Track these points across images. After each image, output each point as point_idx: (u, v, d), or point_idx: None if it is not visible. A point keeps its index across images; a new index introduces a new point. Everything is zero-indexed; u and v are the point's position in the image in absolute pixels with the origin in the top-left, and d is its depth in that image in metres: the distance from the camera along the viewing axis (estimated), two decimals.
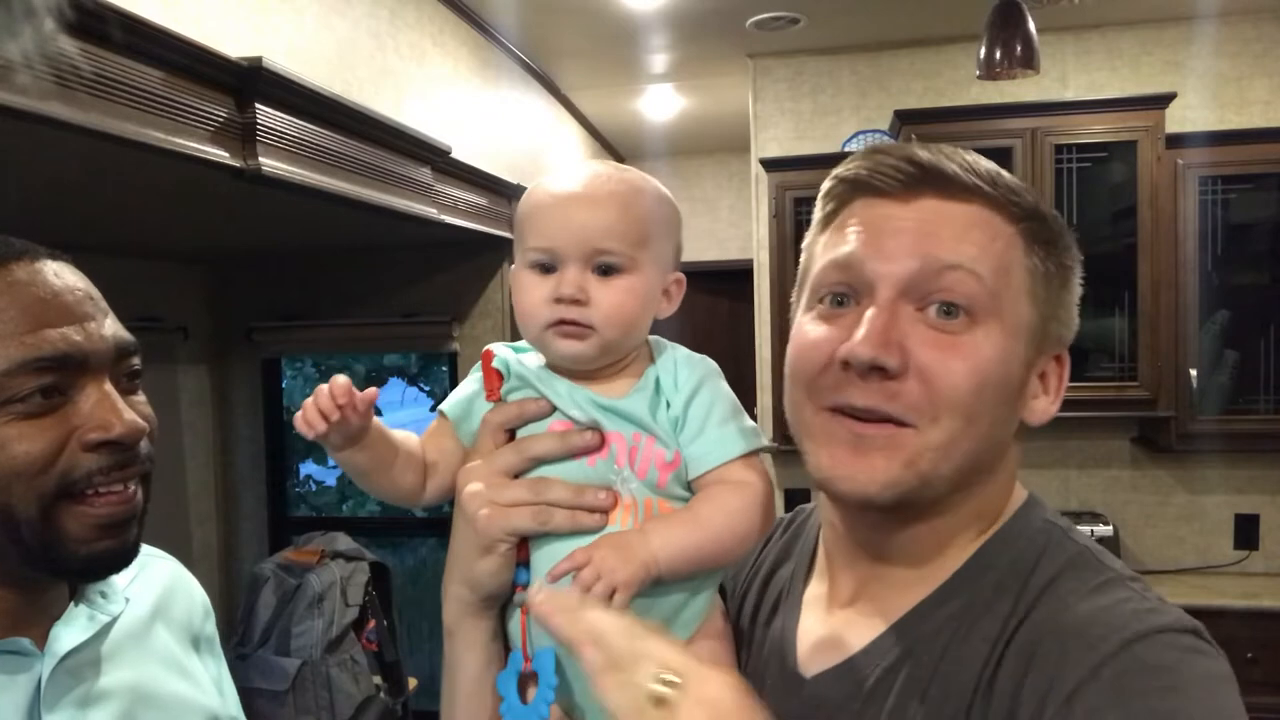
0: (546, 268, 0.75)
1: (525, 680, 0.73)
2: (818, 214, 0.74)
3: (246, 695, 2.66)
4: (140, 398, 0.83)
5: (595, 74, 3.97)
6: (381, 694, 2.87)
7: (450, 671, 0.79)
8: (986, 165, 0.70)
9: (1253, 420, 3.18)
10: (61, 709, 0.80)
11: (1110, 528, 3.24)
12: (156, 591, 0.94)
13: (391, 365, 6.22)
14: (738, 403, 0.77)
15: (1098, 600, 0.63)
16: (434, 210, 2.59)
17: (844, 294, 0.68)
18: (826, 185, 0.73)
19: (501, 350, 0.81)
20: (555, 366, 0.78)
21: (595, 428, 0.74)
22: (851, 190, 0.70)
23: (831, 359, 0.67)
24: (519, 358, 0.80)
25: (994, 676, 0.63)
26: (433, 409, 6.00)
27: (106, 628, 0.86)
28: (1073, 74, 3.52)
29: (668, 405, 0.75)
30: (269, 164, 1.81)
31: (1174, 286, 3.17)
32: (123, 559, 0.81)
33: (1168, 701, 0.58)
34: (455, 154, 2.69)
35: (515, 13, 3.13)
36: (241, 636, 2.82)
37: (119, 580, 0.88)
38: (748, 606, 0.80)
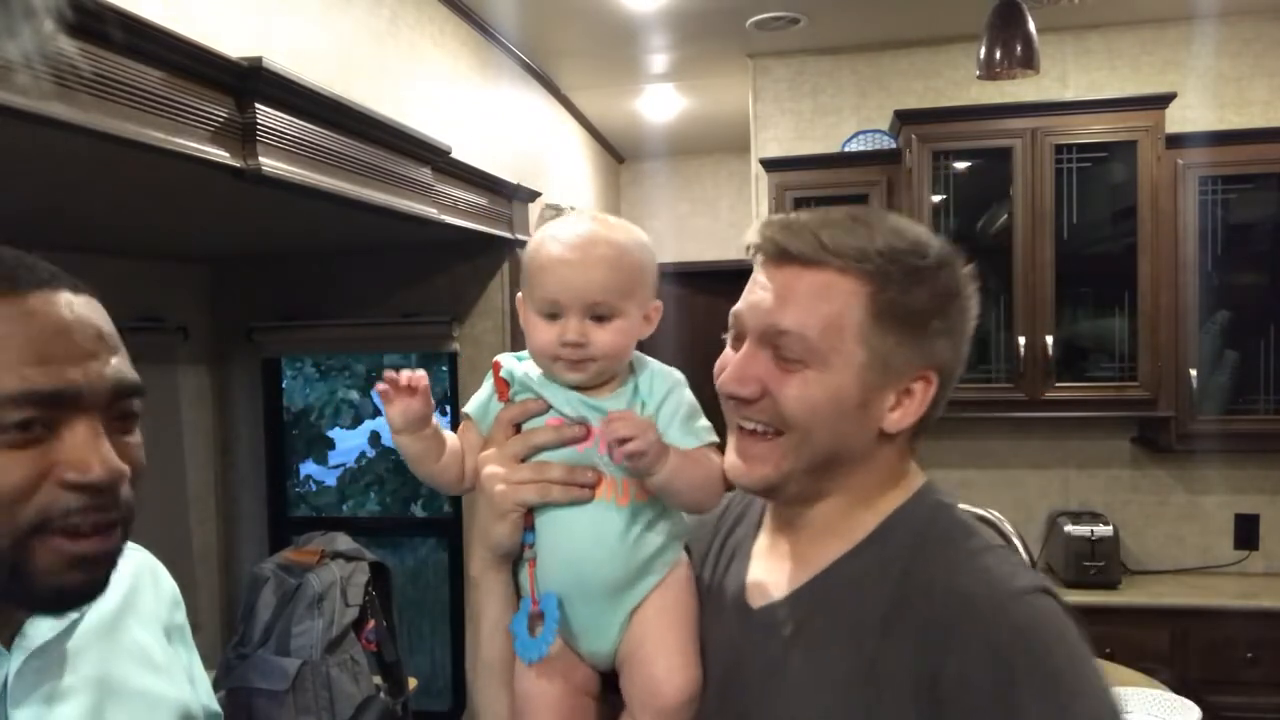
0: (553, 315, 0.95)
1: (533, 620, 0.94)
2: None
3: (246, 695, 2.67)
4: (134, 439, 0.82)
5: (595, 74, 3.97)
6: (381, 694, 2.87)
7: (475, 617, 1.00)
8: (844, 237, 0.88)
9: (1253, 420, 3.18)
10: (28, 705, 0.81)
11: (1110, 528, 3.23)
12: (125, 584, 0.94)
13: (391, 365, 6.23)
14: (697, 406, 0.98)
15: (973, 567, 0.85)
16: (434, 210, 2.59)
17: (737, 332, 0.93)
18: (743, 243, 0.95)
19: (508, 361, 1.01)
20: (549, 374, 0.98)
21: (583, 422, 0.94)
22: (755, 252, 0.93)
23: None
24: (522, 367, 1.00)
25: (894, 615, 0.84)
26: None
27: (74, 623, 0.86)
28: (1073, 74, 3.52)
29: (643, 406, 0.96)
30: (269, 164, 1.81)
31: (1174, 286, 3.17)
32: (90, 594, 0.80)
33: (1048, 669, 0.78)
34: (455, 154, 2.69)
35: (515, 13, 3.13)
36: (241, 636, 2.82)
37: None
38: (710, 559, 1.03)
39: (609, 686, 0.99)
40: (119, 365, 0.80)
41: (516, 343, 3.35)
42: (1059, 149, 3.18)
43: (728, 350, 0.93)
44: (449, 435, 1.00)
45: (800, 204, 3.42)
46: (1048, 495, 3.56)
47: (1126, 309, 3.20)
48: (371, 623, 2.92)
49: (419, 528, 5.68)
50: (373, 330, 3.52)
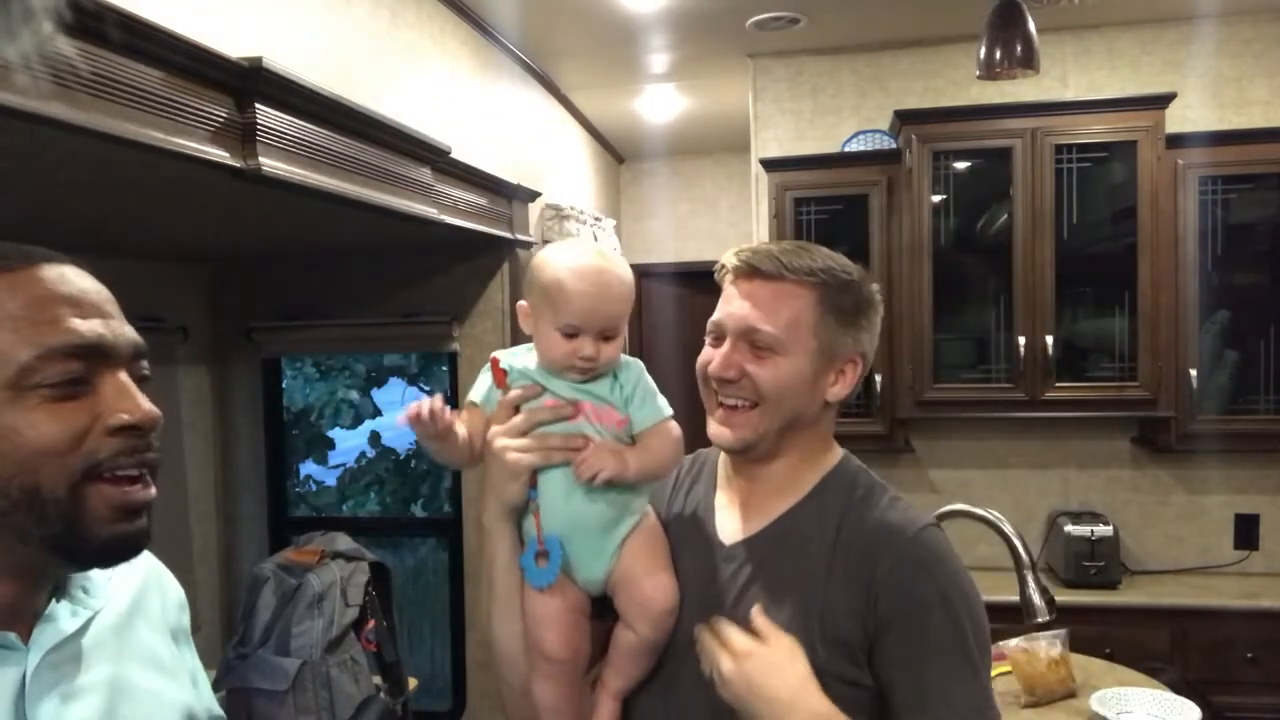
0: (570, 335, 1.18)
1: (539, 556, 1.20)
2: (719, 277, 1.28)
3: (246, 695, 2.67)
4: (149, 396, 0.87)
5: (595, 74, 3.97)
6: (381, 694, 2.87)
7: (489, 561, 1.25)
8: (795, 259, 1.20)
9: (1253, 420, 3.18)
10: (46, 702, 0.83)
11: (1110, 528, 3.24)
12: (135, 587, 0.97)
13: (391, 365, 6.22)
14: (655, 387, 1.25)
15: (893, 510, 1.20)
16: (434, 210, 2.58)
17: (718, 334, 1.24)
18: (717, 267, 1.28)
19: (505, 356, 1.26)
20: (543, 366, 1.22)
21: (572, 402, 1.20)
22: (726, 273, 1.25)
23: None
24: (519, 360, 1.25)
25: (838, 545, 1.17)
26: None
27: (88, 623, 0.89)
28: (1073, 74, 3.52)
29: (621, 388, 1.23)
30: (269, 164, 1.81)
31: (1174, 286, 3.17)
32: (138, 544, 0.86)
33: (943, 566, 1.15)
34: (455, 154, 2.69)
35: (515, 13, 3.13)
36: (241, 636, 2.82)
37: (99, 577, 0.92)
38: (674, 510, 1.32)
39: (598, 608, 1.24)
40: (130, 329, 0.87)
41: (516, 342, 3.35)
42: (1059, 149, 3.19)
43: (708, 348, 1.24)
44: (460, 430, 1.20)
45: (800, 204, 3.43)
46: (1048, 495, 3.57)
47: (1126, 309, 3.20)
48: (371, 623, 2.92)
49: (419, 528, 5.68)
50: (373, 330, 3.52)
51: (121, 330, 0.85)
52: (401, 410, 1.18)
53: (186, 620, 1.06)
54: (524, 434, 1.19)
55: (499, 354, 1.26)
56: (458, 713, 3.47)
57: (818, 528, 1.19)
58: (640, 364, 1.27)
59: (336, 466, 6.25)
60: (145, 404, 0.84)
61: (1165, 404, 3.18)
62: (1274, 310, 3.17)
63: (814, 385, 1.21)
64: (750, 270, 1.21)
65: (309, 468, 6.18)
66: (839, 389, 1.23)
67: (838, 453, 1.28)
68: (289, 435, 4.84)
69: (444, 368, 4.13)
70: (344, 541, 3.02)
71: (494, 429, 1.21)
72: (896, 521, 1.18)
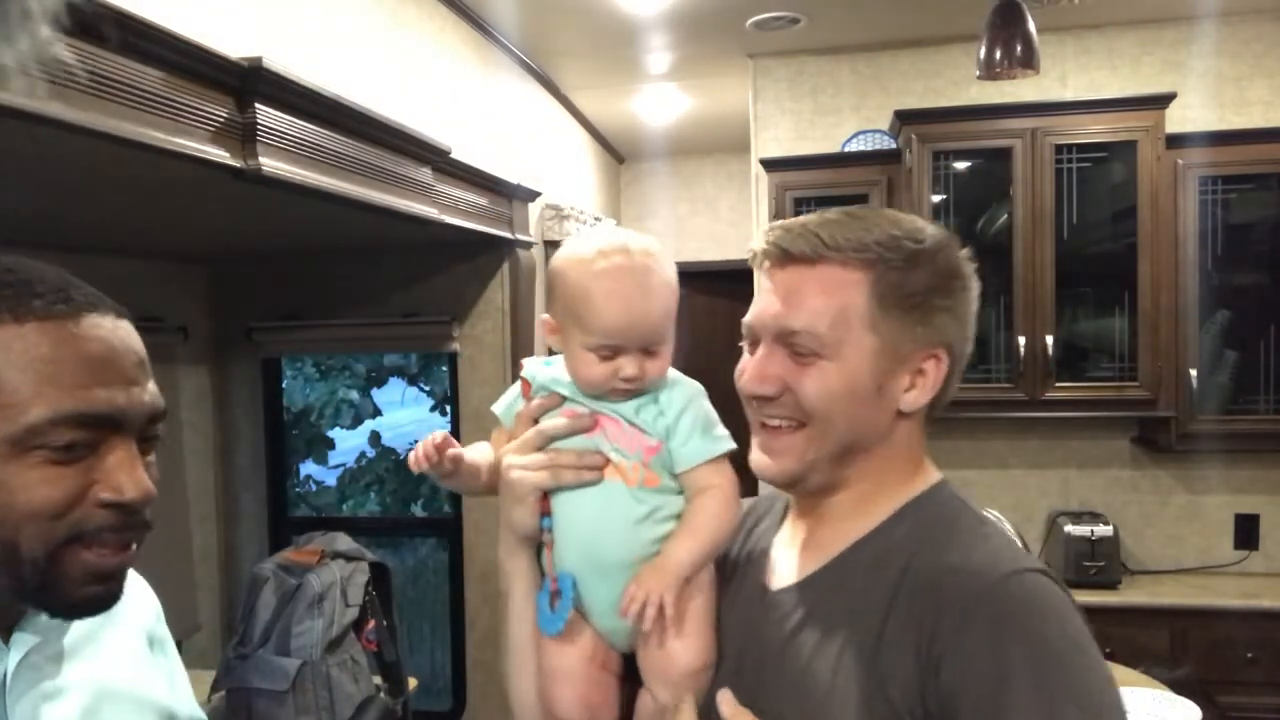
0: (607, 356, 0.99)
1: (553, 597, 1.01)
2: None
3: (246, 695, 2.67)
4: (152, 459, 0.85)
5: (595, 74, 3.97)
6: (381, 694, 2.87)
7: (506, 595, 1.08)
8: (840, 231, 0.93)
9: (1253, 420, 3.18)
10: (26, 701, 0.83)
11: (1110, 528, 3.24)
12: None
13: (391, 365, 6.23)
14: (714, 416, 1.03)
15: (976, 550, 0.89)
16: (434, 210, 2.58)
17: (751, 338, 0.99)
18: (747, 252, 1.01)
19: (531, 366, 1.08)
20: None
21: (590, 413, 1.01)
22: (759, 260, 0.99)
23: None
24: (547, 372, 1.06)
25: (894, 600, 0.88)
26: (433, 409, 5.98)
27: (66, 626, 0.89)
28: (1073, 74, 3.52)
29: (661, 413, 1.01)
30: (269, 164, 1.81)
31: (1174, 286, 3.17)
32: (107, 604, 0.84)
33: (1034, 625, 0.83)
34: (455, 154, 2.69)
35: (515, 13, 3.13)
36: (241, 636, 2.82)
37: None
38: (736, 550, 1.08)
39: (631, 670, 1.04)
40: (154, 391, 0.84)
41: (517, 342, 3.36)
42: (1059, 149, 3.19)
43: (745, 356, 0.99)
44: (481, 452, 1.08)
45: (800, 204, 3.43)
46: (1048, 495, 3.57)
47: (1126, 309, 3.20)
48: (371, 623, 2.92)
49: (419, 528, 5.68)
50: (373, 330, 3.52)
51: (141, 398, 0.82)
52: (410, 454, 1.05)
53: (163, 630, 1.05)
54: (538, 450, 1.02)
55: (528, 362, 1.10)
56: (458, 713, 3.47)
57: (878, 572, 0.91)
58: (696, 386, 1.04)
59: (336, 466, 6.25)
60: (143, 480, 0.81)
61: (1165, 404, 3.18)
62: (1274, 310, 3.17)
63: (879, 394, 0.93)
64: (781, 254, 0.95)
65: (309, 468, 6.19)
66: (917, 394, 0.95)
67: (929, 477, 1.00)
68: (289, 435, 4.84)
69: (444, 368, 4.13)
70: (344, 541, 3.02)
71: (506, 445, 1.06)
72: (975, 563, 0.87)
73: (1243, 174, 3.17)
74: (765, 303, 0.96)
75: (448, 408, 3.68)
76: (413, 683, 3.11)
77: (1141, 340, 3.17)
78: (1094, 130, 3.19)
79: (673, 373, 1.04)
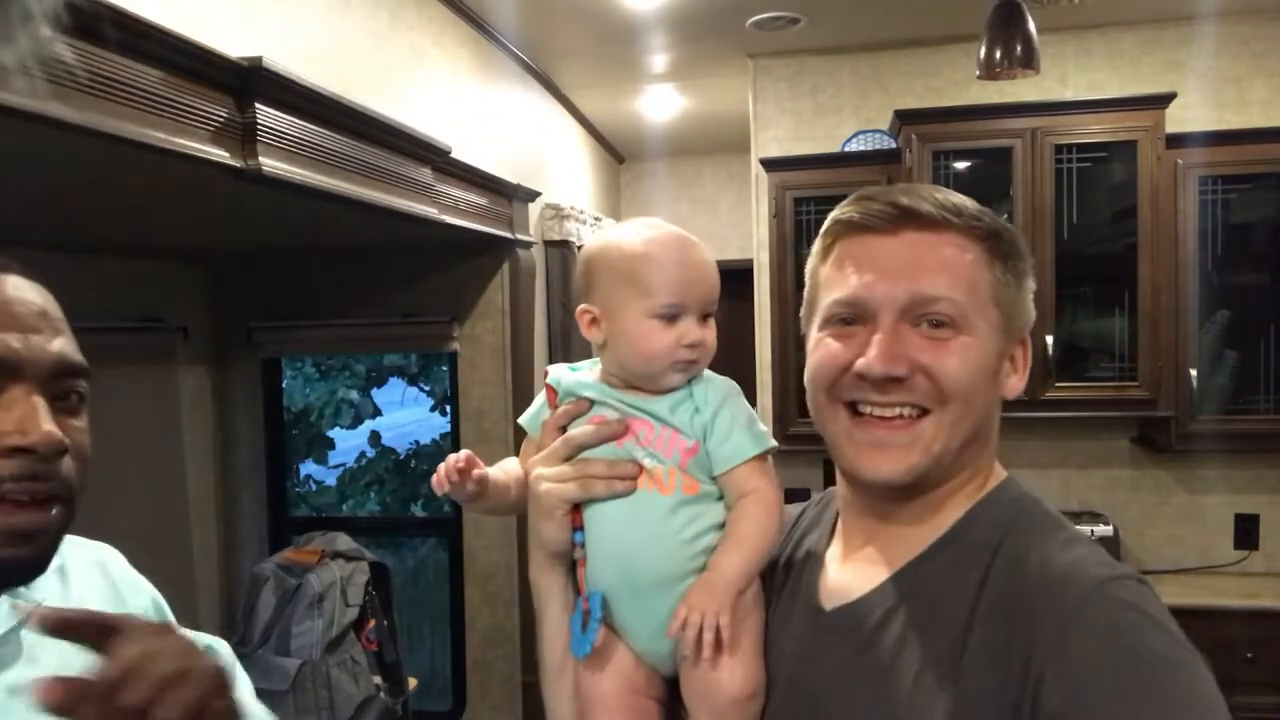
0: (672, 318, 0.95)
1: (586, 617, 0.94)
2: (817, 246, 0.93)
3: None
4: (79, 423, 0.83)
5: (595, 74, 3.97)
6: (381, 694, 2.87)
7: (539, 616, 1.01)
8: (955, 199, 0.88)
9: (1253, 420, 3.18)
10: None
11: (1110, 528, 3.24)
12: (81, 580, 0.94)
13: (391, 365, 6.22)
14: (753, 413, 0.98)
15: (1066, 555, 0.80)
16: (434, 210, 2.58)
17: (850, 317, 0.87)
18: (826, 225, 0.91)
19: (556, 371, 1.04)
20: (601, 378, 1.00)
21: (620, 420, 0.96)
22: (846, 229, 0.89)
23: (847, 368, 0.87)
24: (572, 376, 1.02)
25: (975, 612, 0.79)
26: (433, 409, 5.95)
27: (26, 617, 0.86)
28: (1073, 74, 3.52)
29: (697, 411, 0.96)
30: (269, 164, 1.81)
31: (1174, 286, 3.17)
32: (25, 571, 0.81)
33: (1140, 637, 0.74)
34: (455, 154, 2.69)
35: (515, 13, 3.13)
36: (241, 636, 2.82)
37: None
38: (782, 563, 1.00)
39: (675, 693, 0.97)
40: (63, 345, 0.82)
41: (517, 342, 3.36)
42: (1059, 149, 3.18)
43: (830, 344, 0.88)
44: (509, 469, 1.04)
45: (800, 204, 3.43)
46: (1048, 495, 3.49)
47: (1126, 309, 3.20)
48: (371, 622, 2.93)
49: (419, 528, 5.68)
50: (373, 330, 3.52)
51: (43, 346, 0.80)
52: (433, 479, 1.00)
53: (143, 600, 1.02)
54: (566, 460, 0.96)
55: (552, 368, 1.05)
56: (458, 713, 3.47)
57: (954, 582, 0.82)
58: (731, 382, 0.99)
59: (336, 466, 6.25)
60: (46, 426, 0.77)
61: (1165, 404, 3.18)
62: (1274, 310, 3.17)
63: (996, 377, 0.87)
64: (900, 214, 0.85)
65: (309, 468, 6.18)
66: (1017, 380, 0.89)
67: (997, 474, 0.92)
68: (289, 435, 4.84)
69: (444, 368, 4.13)
70: (344, 541, 3.02)
71: (534, 457, 1.00)
72: (1065, 569, 0.78)
73: (1243, 174, 3.17)
74: (885, 270, 0.85)
75: (448, 408, 3.68)
76: (413, 683, 3.12)
77: (1141, 340, 3.17)
78: (1094, 130, 3.19)
79: (708, 371, 1.00)
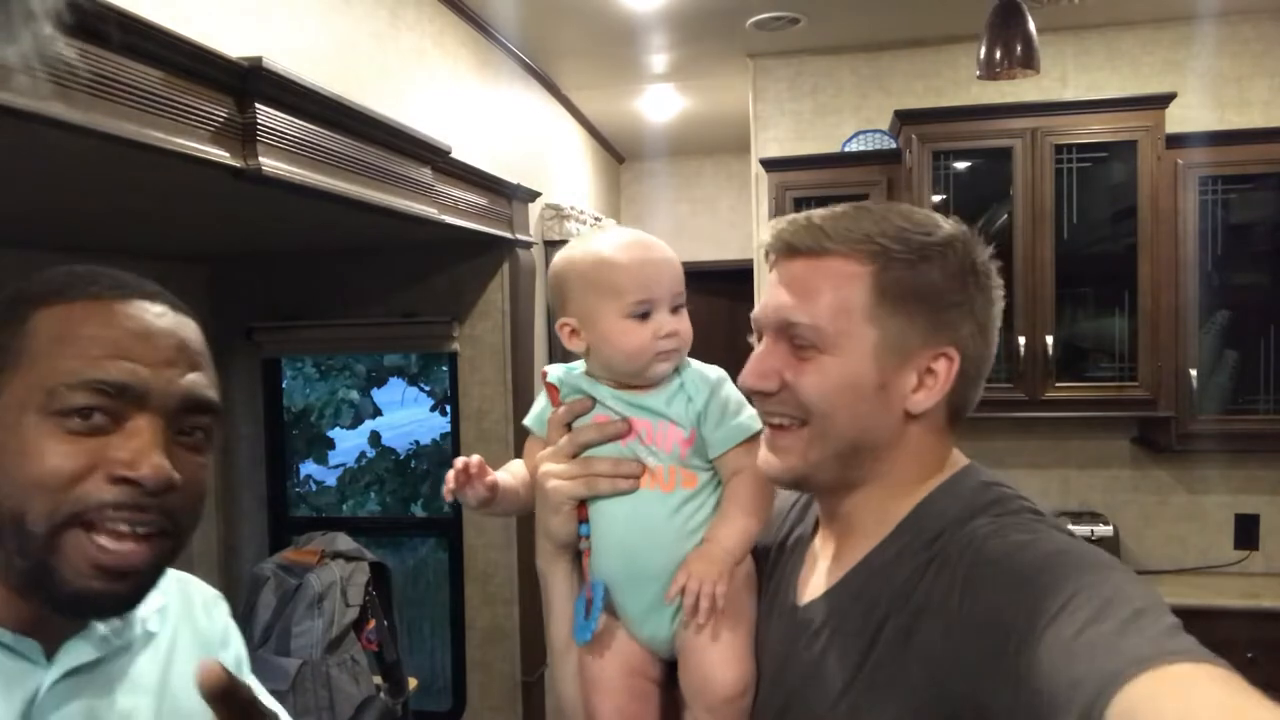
0: (644, 315, 1.00)
1: (588, 605, 1.00)
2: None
3: None
4: (199, 459, 0.83)
5: (595, 74, 3.97)
6: (381, 694, 2.87)
7: (546, 602, 1.09)
8: (846, 224, 0.91)
9: (1253, 420, 3.18)
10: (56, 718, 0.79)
11: (1110, 528, 3.24)
12: (175, 623, 0.93)
13: (391, 365, 6.22)
14: (740, 398, 1.01)
15: (1012, 526, 0.83)
16: (434, 210, 2.58)
17: (757, 334, 0.96)
18: (757, 247, 0.98)
19: (554, 370, 1.08)
20: (595, 376, 1.04)
21: (623, 419, 1.01)
22: (768, 254, 0.97)
23: None
24: (569, 374, 1.06)
25: (905, 608, 0.84)
26: (433, 409, 5.96)
27: (119, 651, 0.85)
28: (1073, 74, 3.52)
29: (690, 400, 1.01)
30: (269, 164, 1.81)
31: (1174, 286, 3.17)
32: (115, 607, 0.80)
33: (1032, 554, 0.79)
34: (455, 154, 2.69)
35: (515, 13, 3.13)
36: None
37: (142, 608, 0.87)
38: (772, 557, 1.06)
39: (674, 675, 1.02)
40: (196, 379, 0.82)
41: (517, 342, 3.36)
42: (1059, 149, 3.18)
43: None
44: (515, 471, 1.08)
45: (800, 204, 3.42)
46: (1048, 495, 3.56)
47: (1126, 309, 3.20)
48: (371, 623, 2.93)
49: (419, 528, 5.68)
50: (373, 330, 3.52)
51: (173, 379, 0.80)
52: (445, 486, 1.03)
53: (228, 662, 0.98)
54: (572, 458, 1.02)
55: (550, 368, 1.09)
56: (458, 713, 3.47)
57: (897, 571, 0.88)
58: (720, 371, 1.05)
59: (336, 466, 6.25)
60: (160, 463, 0.76)
61: (1165, 404, 3.18)
62: (1274, 310, 3.17)
63: (884, 392, 0.89)
64: (786, 247, 0.93)
65: (309, 468, 6.18)
66: (925, 395, 0.90)
67: (950, 468, 0.94)
68: (289, 435, 4.84)
69: (444, 368, 4.13)
70: (344, 541, 3.02)
71: (541, 453, 1.05)
72: (1010, 540, 0.82)
73: (1243, 174, 3.17)
74: (770, 295, 0.94)
75: (448, 408, 3.68)
76: (413, 683, 3.12)
77: (1141, 340, 3.17)
78: (1094, 130, 3.19)
79: (695, 362, 1.05)
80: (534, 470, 1.05)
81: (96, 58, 1.39)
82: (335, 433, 6.15)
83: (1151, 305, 3.16)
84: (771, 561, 1.05)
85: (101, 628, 0.84)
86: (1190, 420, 3.18)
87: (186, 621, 0.95)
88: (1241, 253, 3.21)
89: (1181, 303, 3.17)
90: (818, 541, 1.01)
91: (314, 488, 6.26)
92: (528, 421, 1.10)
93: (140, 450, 0.76)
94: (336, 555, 2.94)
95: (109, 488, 0.75)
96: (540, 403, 1.09)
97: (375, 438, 6.23)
